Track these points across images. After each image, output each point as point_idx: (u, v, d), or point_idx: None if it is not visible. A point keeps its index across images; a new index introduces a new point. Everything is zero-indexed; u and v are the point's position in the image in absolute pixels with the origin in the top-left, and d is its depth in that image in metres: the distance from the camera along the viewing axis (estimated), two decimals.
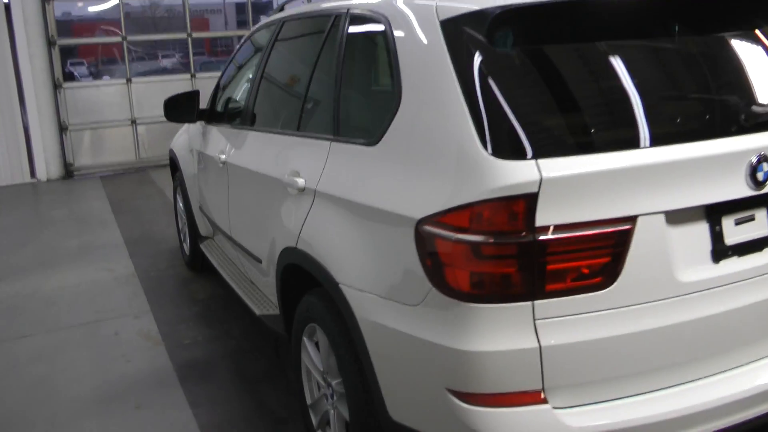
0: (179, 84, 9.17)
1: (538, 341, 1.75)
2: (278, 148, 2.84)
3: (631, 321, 1.81)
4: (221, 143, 3.64)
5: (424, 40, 2.01)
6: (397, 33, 2.14)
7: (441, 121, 1.88)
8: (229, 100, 3.84)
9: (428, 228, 1.82)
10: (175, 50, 13.99)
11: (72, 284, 4.94)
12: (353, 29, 2.49)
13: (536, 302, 1.74)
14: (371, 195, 2.06)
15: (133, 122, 9.47)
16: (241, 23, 17.50)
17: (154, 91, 9.14)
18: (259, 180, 2.92)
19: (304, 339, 2.60)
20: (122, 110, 9.41)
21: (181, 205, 5.08)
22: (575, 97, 1.93)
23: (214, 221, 3.98)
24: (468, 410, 1.79)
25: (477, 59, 1.87)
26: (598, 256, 1.76)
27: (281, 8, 3.62)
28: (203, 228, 4.57)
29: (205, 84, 9.02)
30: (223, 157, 3.47)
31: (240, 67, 3.98)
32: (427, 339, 1.85)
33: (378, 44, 2.34)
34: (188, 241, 4.91)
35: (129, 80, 9.43)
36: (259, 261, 3.09)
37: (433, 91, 1.93)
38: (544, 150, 1.73)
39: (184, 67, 10.96)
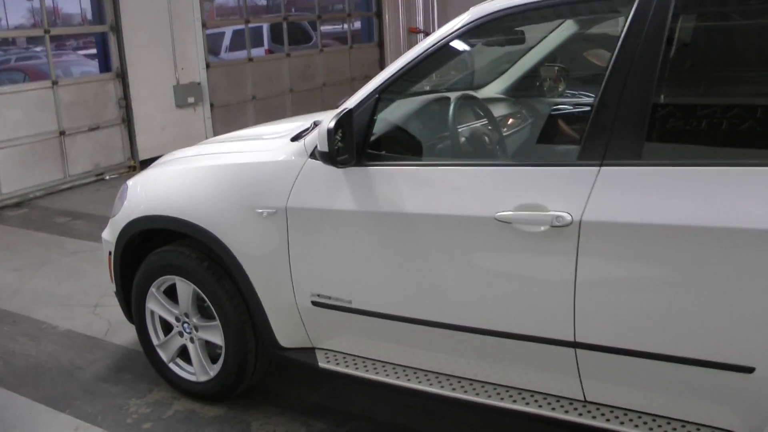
0: None
1: None
2: None
3: None
4: (524, 193, 2.20)
5: None
6: None
7: None
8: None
9: None
10: None
11: None
12: None
13: None
14: None
15: None
16: None
17: None
18: None
19: None
20: None
21: (173, 308, 3.11)
22: None
23: (424, 318, 2.44)
24: None
25: None
26: None
27: None
28: (290, 336, 2.84)
29: None
30: (566, 216, 2.10)
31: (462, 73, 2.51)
32: None
33: None
34: (222, 359, 3.00)
35: None
36: (747, 370, 1.95)
37: None
38: None
39: None
